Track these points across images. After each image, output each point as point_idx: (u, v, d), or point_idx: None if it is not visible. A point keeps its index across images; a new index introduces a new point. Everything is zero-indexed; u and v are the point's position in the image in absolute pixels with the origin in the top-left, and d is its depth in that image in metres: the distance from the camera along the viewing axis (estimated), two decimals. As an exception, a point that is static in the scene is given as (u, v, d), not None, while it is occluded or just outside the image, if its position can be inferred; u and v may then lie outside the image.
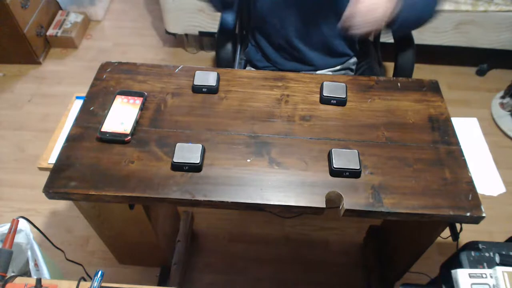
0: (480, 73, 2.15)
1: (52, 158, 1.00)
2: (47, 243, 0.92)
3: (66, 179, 0.81)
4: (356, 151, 0.85)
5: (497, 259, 0.76)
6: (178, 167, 0.83)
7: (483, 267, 0.77)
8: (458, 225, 0.87)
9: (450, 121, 0.95)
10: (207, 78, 0.99)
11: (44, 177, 0.83)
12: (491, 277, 0.73)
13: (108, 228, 1.10)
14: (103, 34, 2.37)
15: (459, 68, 2.18)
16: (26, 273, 1.00)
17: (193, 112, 0.95)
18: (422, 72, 2.14)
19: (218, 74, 1.01)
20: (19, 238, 0.94)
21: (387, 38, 1.21)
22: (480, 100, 2.03)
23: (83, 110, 0.94)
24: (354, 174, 0.83)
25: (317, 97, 0.99)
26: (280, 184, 0.82)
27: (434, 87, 1.02)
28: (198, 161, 0.82)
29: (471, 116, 1.13)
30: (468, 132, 1.08)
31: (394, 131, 0.92)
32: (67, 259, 0.99)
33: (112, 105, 0.93)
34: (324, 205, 0.79)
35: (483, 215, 0.79)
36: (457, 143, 0.90)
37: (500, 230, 1.54)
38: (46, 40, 2.21)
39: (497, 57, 2.08)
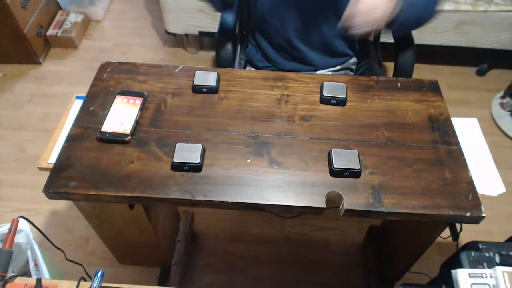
0: (480, 73, 2.15)
1: (52, 158, 1.00)
2: (47, 243, 0.92)
3: (66, 179, 0.81)
4: (356, 151, 0.85)
5: (497, 259, 0.76)
6: (178, 167, 0.83)
7: (483, 267, 0.77)
8: (458, 225, 0.87)
9: (450, 121, 0.95)
10: (207, 78, 0.99)
11: (44, 177, 0.83)
12: (491, 277, 0.73)
13: (108, 228, 1.10)
14: (103, 34, 2.37)
15: (459, 68, 2.18)
16: (26, 273, 1.00)
17: (193, 112, 0.95)
18: (422, 72, 2.14)
19: (218, 74, 1.01)
20: (19, 238, 0.94)
21: (387, 38, 1.21)
22: (480, 100, 2.03)
23: (83, 110, 0.94)
24: (354, 174, 0.83)
25: (317, 97, 0.99)
26: (280, 184, 0.82)
27: (434, 87, 1.02)
28: (198, 161, 0.82)
29: (471, 116, 1.13)
30: (468, 132, 1.08)
31: (394, 131, 0.92)
32: (67, 259, 0.99)
33: (112, 105, 0.93)
34: (324, 205, 0.79)
35: (483, 215, 0.79)
36: (457, 143, 0.90)
37: (500, 230, 1.54)
38: (46, 40, 2.21)
39: (497, 57, 2.08)
